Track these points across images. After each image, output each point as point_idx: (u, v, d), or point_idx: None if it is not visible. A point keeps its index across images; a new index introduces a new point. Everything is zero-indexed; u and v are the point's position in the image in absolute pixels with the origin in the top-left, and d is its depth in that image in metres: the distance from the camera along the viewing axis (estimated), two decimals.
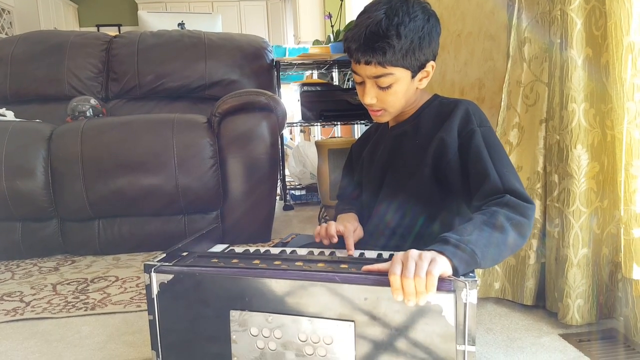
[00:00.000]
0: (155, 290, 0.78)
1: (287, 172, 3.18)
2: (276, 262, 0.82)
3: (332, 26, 3.34)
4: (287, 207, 2.88)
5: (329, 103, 2.82)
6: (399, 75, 0.90)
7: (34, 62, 2.39)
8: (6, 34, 5.36)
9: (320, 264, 0.80)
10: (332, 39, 3.26)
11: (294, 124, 3.04)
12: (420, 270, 0.65)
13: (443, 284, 0.65)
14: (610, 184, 1.08)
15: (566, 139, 1.09)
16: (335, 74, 3.54)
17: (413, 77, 0.93)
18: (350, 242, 0.95)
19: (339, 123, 3.28)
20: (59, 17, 6.76)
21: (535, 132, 1.21)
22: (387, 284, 0.66)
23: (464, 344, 0.65)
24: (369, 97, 0.93)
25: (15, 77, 2.38)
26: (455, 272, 0.68)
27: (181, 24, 3.06)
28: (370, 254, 0.91)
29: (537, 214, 1.20)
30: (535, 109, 1.21)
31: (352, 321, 0.69)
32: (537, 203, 1.21)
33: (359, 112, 2.79)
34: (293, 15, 6.09)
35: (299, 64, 2.97)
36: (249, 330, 0.74)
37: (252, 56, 2.56)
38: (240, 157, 1.94)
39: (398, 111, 0.98)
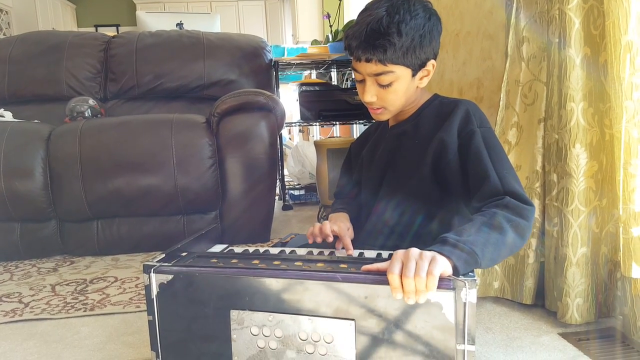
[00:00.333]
0: (154, 290, 0.78)
1: (286, 172, 3.18)
2: (275, 262, 0.82)
3: (330, 26, 3.34)
4: (286, 207, 2.88)
5: (328, 103, 2.82)
6: (400, 74, 0.90)
7: (32, 63, 2.39)
8: (4, 34, 5.35)
9: (319, 264, 0.80)
10: (330, 39, 3.26)
11: (293, 124, 3.04)
12: (421, 269, 0.64)
13: (443, 282, 0.66)
14: (609, 183, 1.08)
15: (565, 138, 1.09)
16: (333, 74, 3.54)
17: (413, 75, 0.93)
18: (348, 241, 0.95)
19: (337, 123, 3.28)
20: (57, 17, 6.76)
21: (533, 131, 1.21)
22: (387, 282, 0.66)
23: (464, 343, 0.65)
24: (369, 95, 0.93)
25: (14, 77, 2.37)
26: (456, 272, 0.68)
27: (179, 24, 3.06)
28: (370, 253, 0.91)
29: (536, 213, 1.20)
30: (534, 108, 1.21)
31: (353, 319, 0.69)
32: (536, 202, 1.21)
33: (357, 112, 2.79)
34: (291, 15, 6.09)
35: (297, 63, 2.97)
36: (249, 329, 0.74)
37: (250, 56, 2.56)
38: (239, 157, 1.94)
39: (398, 110, 0.98)
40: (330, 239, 0.96)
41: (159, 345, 0.80)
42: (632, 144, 0.95)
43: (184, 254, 0.88)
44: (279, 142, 2.44)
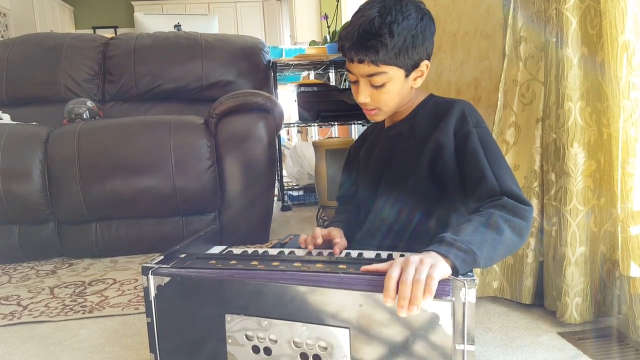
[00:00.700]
0: (153, 292, 0.78)
1: (284, 172, 3.18)
2: (274, 263, 0.81)
3: (328, 27, 3.34)
4: (284, 208, 2.88)
5: (326, 103, 2.82)
6: (393, 74, 0.90)
7: (30, 65, 2.38)
8: (2, 36, 5.35)
9: (318, 265, 0.80)
10: (328, 40, 3.26)
11: (291, 125, 3.04)
12: (420, 273, 0.64)
13: (440, 291, 0.64)
14: (607, 182, 1.08)
15: (562, 137, 1.09)
16: (332, 75, 3.54)
17: (407, 76, 0.93)
18: (337, 241, 0.96)
19: (336, 123, 3.28)
20: (54, 19, 6.75)
21: (531, 130, 1.21)
22: (382, 290, 0.65)
23: (463, 343, 0.65)
24: (363, 95, 0.93)
25: (12, 80, 2.37)
26: (455, 272, 0.68)
27: (177, 26, 3.06)
28: (369, 253, 0.91)
29: (535, 212, 1.21)
30: (532, 108, 1.21)
31: (347, 328, 0.68)
32: (535, 202, 1.21)
33: (356, 113, 2.79)
34: (289, 16, 6.09)
35: (295, 64, 2.97)
36: (243, 333, 0.74)
37: (248, 57, 2.56)
38: (238, 158, 1.94)
39: (392, 110, 0.98)
40: (319, 241, 0.96)
41: (157, 347, 0.80)
42: (629, 143, 0.95)
43: (182, 255, 0.88)
44: (277, 142, 2.44)
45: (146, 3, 7.60)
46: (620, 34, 0.93)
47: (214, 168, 1.90)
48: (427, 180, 0.94)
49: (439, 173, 0.93)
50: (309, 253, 0.95)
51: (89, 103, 2.21)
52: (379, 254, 0.89)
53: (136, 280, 1.62)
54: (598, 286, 1.13)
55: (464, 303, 0.64)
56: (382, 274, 0.68)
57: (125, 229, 1.92)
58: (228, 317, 0.74)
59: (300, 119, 2.87)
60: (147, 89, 2.45)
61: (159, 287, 0.78)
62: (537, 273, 1.24)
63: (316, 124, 3.03)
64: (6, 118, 2.15)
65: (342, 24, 3.33)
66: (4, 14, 5.51)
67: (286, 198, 2.97)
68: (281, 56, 2.93)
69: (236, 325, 0.74)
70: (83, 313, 1.34)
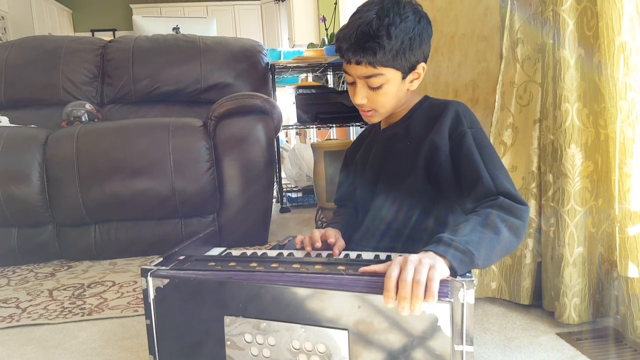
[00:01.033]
0: (152, 294, 0.78)
1: (283, 174, 3.18)
2: (273, 265, 0.82)
3: (326, 29, 3.36)
4: (283, 210, 2.88)
5: (325, 105, 2.83)
6: (390, 76, 0.91)
7: (28, 68, 2.38)
8: (0, 39, 5.34)
9: (317, 266, 0.80)
10: (326, 42, 3.27)
11: (290, 127, 3.04)
12: (420, 274, 0.64)
13: (439, 293, 0.64)
14: (604, 183, 1.08)
15: (560, 138, 1.10)
16: (330, 77, 3.55)
17: (404, 78, 0.93)
18: (332, 241, 0.96)
19: (334, 125, 3.29)
20: (53, 22, 6.76)
21: (529, 132, 1.22)
22: (381, 291, 0.65)
23: (462, 344, 0.65)
24: (360, 97, 0.94)
25: (10, 82, 2.37)
26: (453, 272, 0.68)
27: (176, 29, 3.06)
28: (367, 255, 0.91)
29: (533, 213, 1.21)
30: (529, 109, 1.22)
31: (346, 329, 0.68)
32: (532, 203, 1.21)
33: (354, 115, 2.80)
34: (287, 18, 6.10)
35: (294, 67, 2.97)
36: (242, 336, 0.74)
37: (247, 59, 2.56)
38: (237, 160, 1.94)
39: (388, 112, 0.98)
40: (318, 245, 0.96)
41: (156, 349, 0.80)
42: (626, 144, 0.96)
43: (181, 257, 0.88)
44: (276, 144, 2.44)
45: (145, 6, 7.60)
46: (616, 35, 0.94)
47: (212, 170, 1.90)
48: (423, 181, 0.94)
49: (435, 174, 0.93)
50: (308, 254, 0.95)
51: (88, 106, 2.21)
52: (378, 255, 0.89)
53: (135, 283, 1.62)
54: (596, 287, 1.14)
55: (463, 304, 0.64)
56: (381, 275, 0.68)
57: (124, 231, 1.92)
58: (227, 319, 0.74)
59: (298, 121, 2.88)
60: (146, 91, 2.45)
61: (158, 289, 0.78)
62: (535, 274, 1.24)
63: (314, 126, 3.03)
64: (5, 121, 2.15)
65: (340, 27, 3.33)
66: (2, 17, 5.51)
67: (285, 200, 2.98)
68: (279, 58, 2.93)
69: (235, 328, 0.74)
70: (82, 315, 1.34)
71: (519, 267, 1.25)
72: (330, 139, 3.72)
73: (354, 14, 0.92)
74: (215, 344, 0.76)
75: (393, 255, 0.88)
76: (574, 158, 1.08)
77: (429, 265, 0.66)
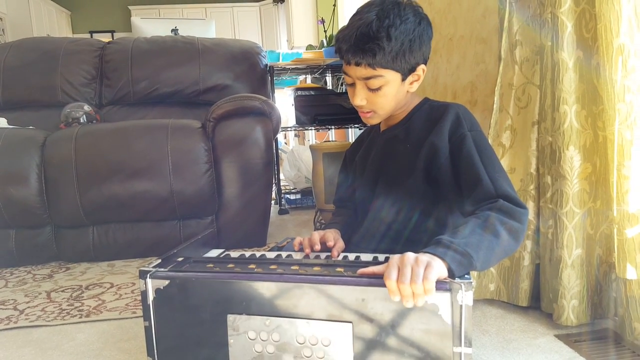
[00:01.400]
0: (150, 296, 0.78)
1: (281, 176, 3.18)
2: (272, 266, 0.82)
3: (325, 31, 3.36)
4: (282, 211, 2.88)
5: (323, 107, 2.83)
6: (389, 78, 0.91)
7: (27, 69, 2.38)
8: None
9: (316, 268, 0.80)
10: (325, 44, 3.27)
11: (289, 129, 3.04)
12: (417, 276, 0.64)
13: (439, 284, 0.66)
14: (602, 185, 1.08)
15: (558, 140, 1.10)
16: (328, 79, 3.55)
17: (403, 80, 0.93)
18: (330, 244, 0.96)
19: (333, 127, 3.29)
20: (51, 23, 6.75)
21: (527, 134, 1.22)
22: (383, 284, 0.66)
23: (461, 345, 0.65)
24: (359, 98, 0.94)
25: (8, 84, 2.37)
26: (451, 274, 0.69)
27: (175, 30, 3.06)
28: (366, 256, 0.91)
29: (531, 215, 1.21)
30: (527, 111, 1.22)
31: (350, 322, 0.69)
32: (531, 204, 1.21)
33: (353, 116, 2.80)
34: (286, 20, 6.10)
35: (292, 68, 2.97)
36: (246, 334, 0.74)
37: (246, 61, 2.56)
38: (235, 162, 1.94)
39: (388, 114, 0.98)
40: (317, 248, 0.96)
41: (155, 351, 0.80)
42: (625, 146, 0.96)
43: (180, 259, 0.88)
44: (274, 146, 2.44)
45: (143, 7, 7.60)
46: (615, 37, 0.94)
47: (211, 172, 1.90)
48: (423, 183, 0.94)
49: (434, 176, 0.93)
50: (307, 256, 0.95)
51: (86, 107, 2.21)
52: (377, 257, 0.89)
53: (133, 284, 1.61)
54: (594, 288, 1.14)
55: (461, 305, 0.65)
56: (379, 276, 0.68)
57: (122, 232, 1.92)
58: (230, 317, 0.74)
59: (297, 122, 2.88)
60: (144, 93, 2.45)
61: (157, 291, 0.78)
62: (533, 275, 1.25)
63: (313, 128, 3.03)
64: (3, 122, 2.15)
65: (339, 29, 3.34)
66: (1, 18, 5.51)
67: (283, 201, 2.97)
68: (278, 60, 2.94)
69: (238, 326, 0.74)
70: (80, 317, 1.34)
71: (517, 268, 1.25)
72: (329, 141, 3.73)
73: (354, 15, 0.92)
74: (217, 344, 0.76)
75: (391, 257, 0.88)
76: (573, 160, 1.08)
77: (426, 263, 0.66)
